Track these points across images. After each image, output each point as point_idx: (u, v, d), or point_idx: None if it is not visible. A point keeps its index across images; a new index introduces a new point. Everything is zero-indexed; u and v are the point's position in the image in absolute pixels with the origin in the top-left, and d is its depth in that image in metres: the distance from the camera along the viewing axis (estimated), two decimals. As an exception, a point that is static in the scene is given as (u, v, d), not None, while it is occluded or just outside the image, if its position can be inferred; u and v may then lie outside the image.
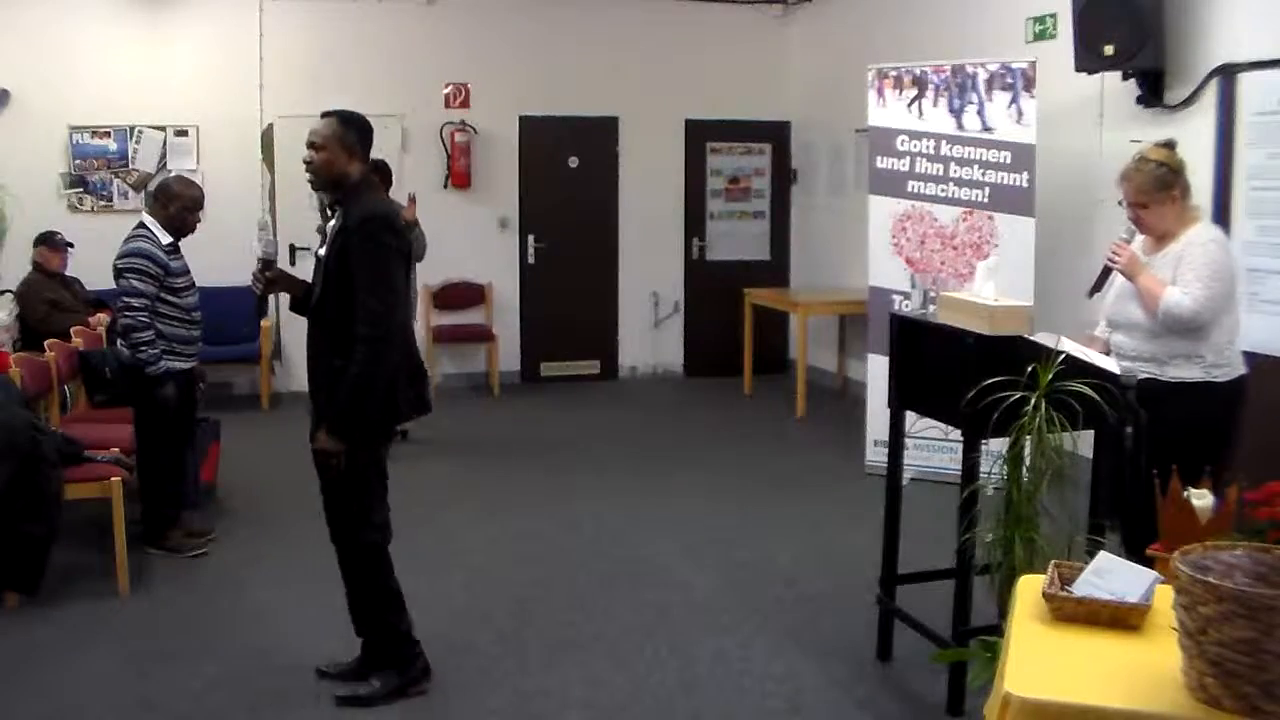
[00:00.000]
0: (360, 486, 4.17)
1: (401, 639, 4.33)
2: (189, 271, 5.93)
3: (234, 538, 6.14)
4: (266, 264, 4.30)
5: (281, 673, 4.52)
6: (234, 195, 9.48)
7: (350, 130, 4.14)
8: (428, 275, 10.16)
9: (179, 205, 5.83)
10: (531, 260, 10.56)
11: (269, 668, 4.58)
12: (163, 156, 9.59)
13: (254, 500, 6.86)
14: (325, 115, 4.19)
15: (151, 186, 6.80)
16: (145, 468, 5.85)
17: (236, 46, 9.64)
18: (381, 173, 7.51)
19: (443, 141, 10.22)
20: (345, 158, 4.11)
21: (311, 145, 4.14)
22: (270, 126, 9.71)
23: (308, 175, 4.19)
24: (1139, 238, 4.51)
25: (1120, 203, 4.49)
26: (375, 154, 4.38)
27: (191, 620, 5.09)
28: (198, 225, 6.01)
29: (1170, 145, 4.44)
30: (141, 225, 5.82)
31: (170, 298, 5.73)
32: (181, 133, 9.63)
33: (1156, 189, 4.32)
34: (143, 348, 5.63)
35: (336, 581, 5.47)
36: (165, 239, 5.77)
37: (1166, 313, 4.23)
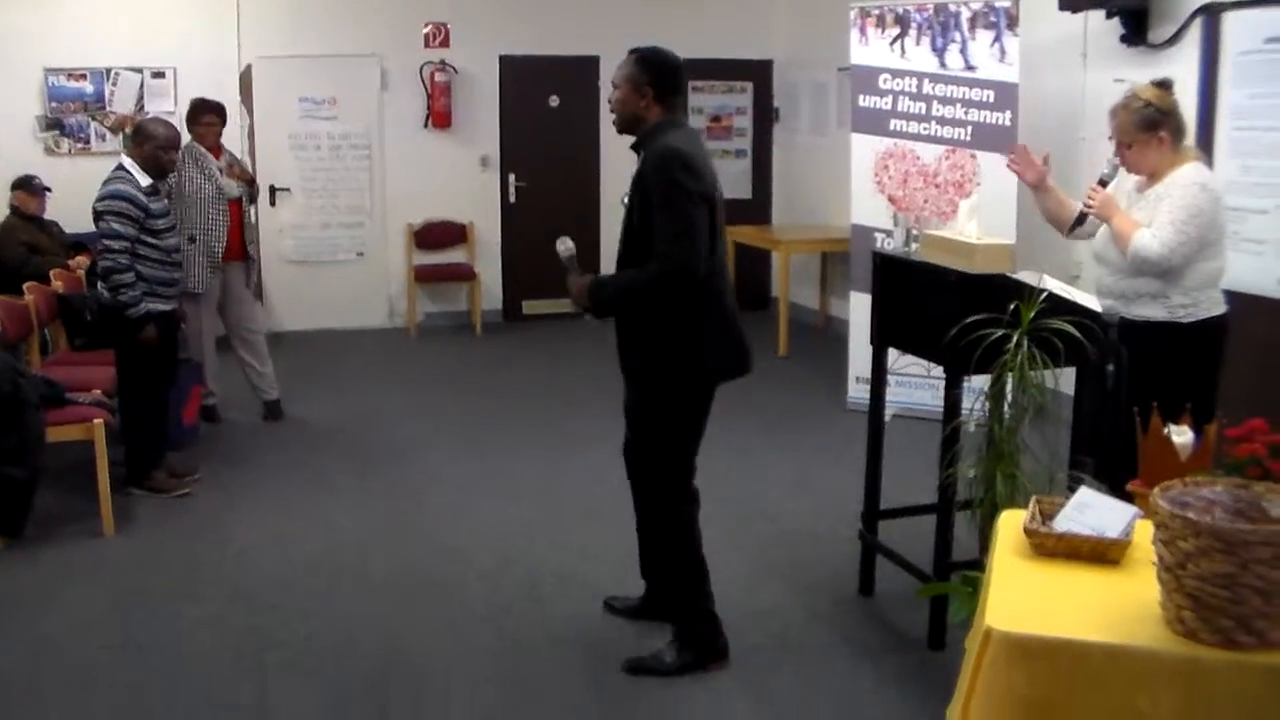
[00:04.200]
0: (673, 445, 4.06)
1: (703, 615, 4.12)
2: (169, 213, 5.90)
3: (218, 479, 6.14)
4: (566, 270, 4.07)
5: (265, 613, 4.55)
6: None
7: (645, 70, 3.97)
8: (409, 214, 10.17)
9: (154, 145, 5.76)
10: (513, 199, 10.50)
11: (252, 608, 4.60)
12: (140, 98, 9.47)
13: (237, 442, 6.86)
14: (630, 53, 4.04)
15: (128, 129, 6.71)
16: (127, 409, 5.85)
17: (213, -14, 9.51)
18: (218, 113, 7.04)
19: (422, 81, 10.11)
20: (637, 98, 3.95)
21: (613, 84, 4.03)
22: (249, 68, 9.59)
23: (612, 116, 4.08)
24: (1131, 176, 4.49)
25: (1110, 137, 4.48)
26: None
27: (176, 561, 5.10)
28: (174, 165, 5.96)
29: (1165, 85, 4.38)
30: (120, 167, 5.76)
31: (150, 239, 5.69)
32: (159, 74, 9.49)
33: (1141, 129, 4.29)
34: (123, 290, 5.60)
35: (318, 521, 5.53)
36: (144, 180, 5.72)
37: (1134, 254, 4.24)
